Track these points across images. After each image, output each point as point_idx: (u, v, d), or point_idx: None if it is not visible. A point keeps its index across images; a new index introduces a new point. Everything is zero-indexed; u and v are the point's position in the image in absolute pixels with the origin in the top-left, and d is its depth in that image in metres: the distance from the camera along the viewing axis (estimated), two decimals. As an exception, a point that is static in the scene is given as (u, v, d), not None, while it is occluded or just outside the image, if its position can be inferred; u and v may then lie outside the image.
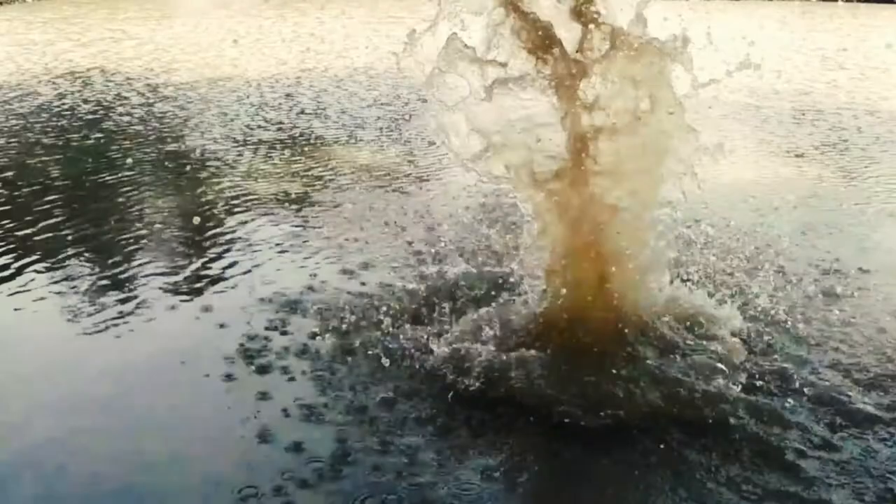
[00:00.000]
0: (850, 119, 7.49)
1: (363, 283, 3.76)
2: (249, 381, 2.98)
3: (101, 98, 8.25)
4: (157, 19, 16.09)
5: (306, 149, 6.39)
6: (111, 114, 7.58)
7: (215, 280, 3.96)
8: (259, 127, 7.02)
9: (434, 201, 5.07)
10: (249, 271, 4.01)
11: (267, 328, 3.33)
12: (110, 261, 4.20)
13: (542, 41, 2.95)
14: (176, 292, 3.81)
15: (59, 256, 4.22)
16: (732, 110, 7.37)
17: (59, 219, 4.78)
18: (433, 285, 3.58)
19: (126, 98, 8.26)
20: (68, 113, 7.55)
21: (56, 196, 5.22)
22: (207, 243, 4.44)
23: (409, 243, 4.24)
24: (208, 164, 5.96)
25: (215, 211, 4.91)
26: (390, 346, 3.10)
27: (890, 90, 8.81)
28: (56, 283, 3.93)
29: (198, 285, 3.90)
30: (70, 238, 4.51)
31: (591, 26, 2.98)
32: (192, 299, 3.76)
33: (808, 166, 6.05)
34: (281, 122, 7.20)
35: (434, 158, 5.91)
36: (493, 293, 3.45)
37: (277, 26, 14.54)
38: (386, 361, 2.99)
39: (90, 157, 6.18)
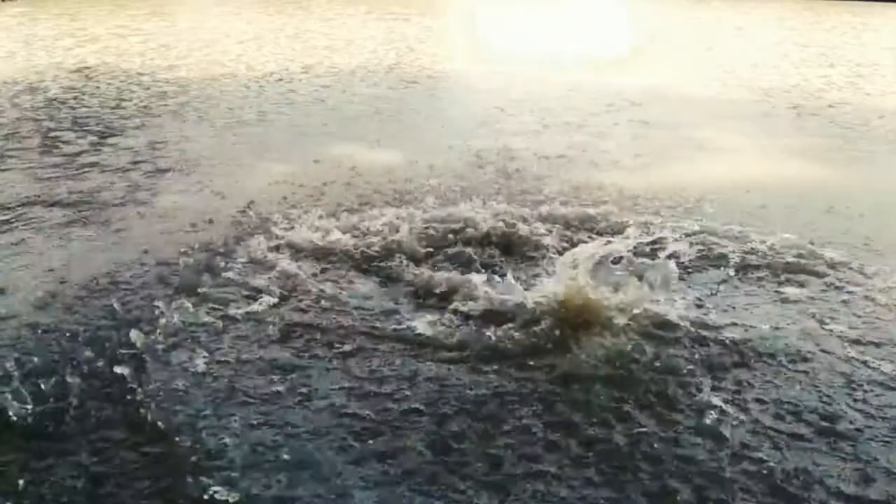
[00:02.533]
0: None
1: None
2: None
3: (105, 93, 8.39)
4: (161, 15, 16.20)
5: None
6: (110, 109, 7.71)
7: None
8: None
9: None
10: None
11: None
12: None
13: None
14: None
15: None
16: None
17: None
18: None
19: (133, 92, 8.40)
20: (73, 107, 7.67)
21: None
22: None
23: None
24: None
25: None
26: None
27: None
28: None
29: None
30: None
31: None
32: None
33: None
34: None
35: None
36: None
37: (277, 23, 14.61)
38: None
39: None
